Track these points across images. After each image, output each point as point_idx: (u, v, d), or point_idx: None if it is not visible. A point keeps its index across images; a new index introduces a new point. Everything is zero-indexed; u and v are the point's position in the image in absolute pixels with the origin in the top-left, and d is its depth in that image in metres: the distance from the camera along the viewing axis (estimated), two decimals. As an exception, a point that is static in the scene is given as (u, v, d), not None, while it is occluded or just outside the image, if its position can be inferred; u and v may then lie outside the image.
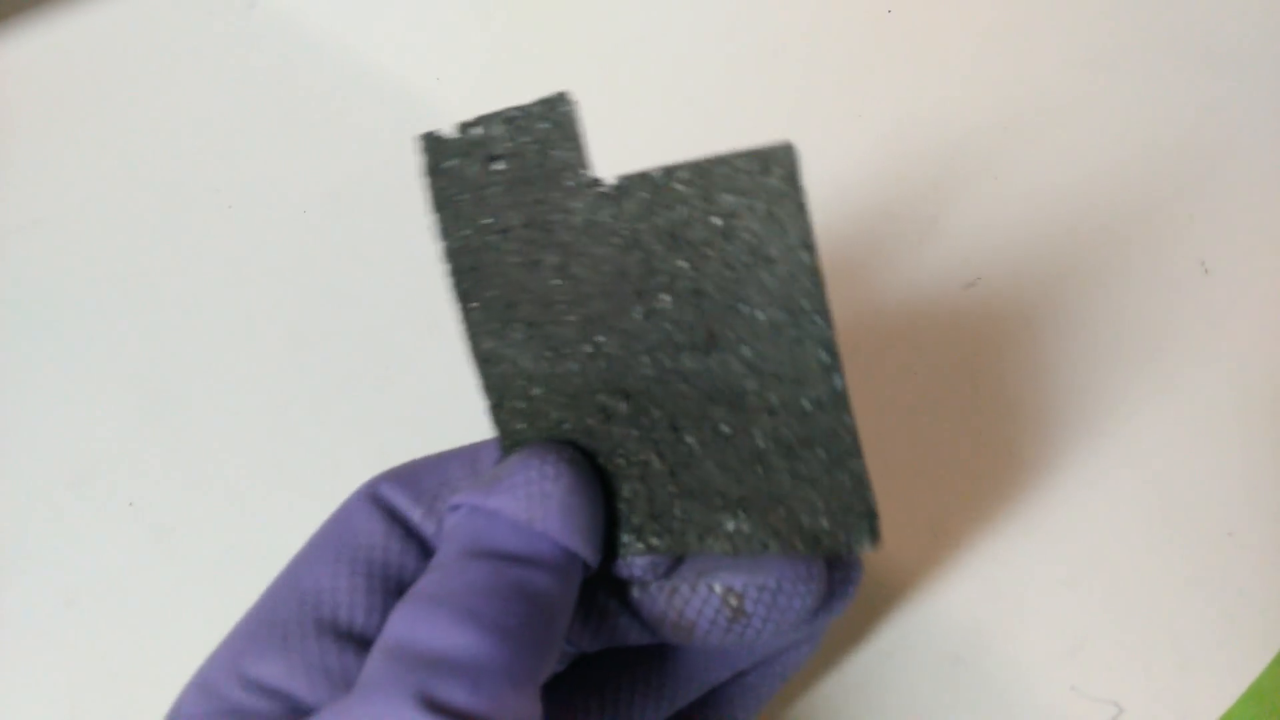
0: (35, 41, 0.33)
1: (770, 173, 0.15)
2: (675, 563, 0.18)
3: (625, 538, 0.17)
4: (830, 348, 0.15)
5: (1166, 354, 0.33)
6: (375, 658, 0.14)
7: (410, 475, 0.19)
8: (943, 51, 0.38)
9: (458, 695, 0.13)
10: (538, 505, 0.16)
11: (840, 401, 0.15)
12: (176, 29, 0.34)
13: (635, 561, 0.18)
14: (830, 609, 0.20)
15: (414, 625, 0.14)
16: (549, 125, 0.17)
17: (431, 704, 0.13)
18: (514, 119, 0.17)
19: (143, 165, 0.31)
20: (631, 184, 0.16)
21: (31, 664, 0.24)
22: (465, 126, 0.17)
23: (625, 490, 0.17)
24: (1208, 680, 0.28)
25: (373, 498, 0.18)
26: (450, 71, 0.34)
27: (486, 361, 0.18)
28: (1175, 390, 0.32)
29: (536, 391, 0.18)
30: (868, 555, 0.28)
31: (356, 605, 0.17)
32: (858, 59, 0.37)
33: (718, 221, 0.15)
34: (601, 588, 0.18)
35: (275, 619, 0.17)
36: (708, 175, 0.15)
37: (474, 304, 0.18)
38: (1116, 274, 0.34)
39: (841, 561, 0.20)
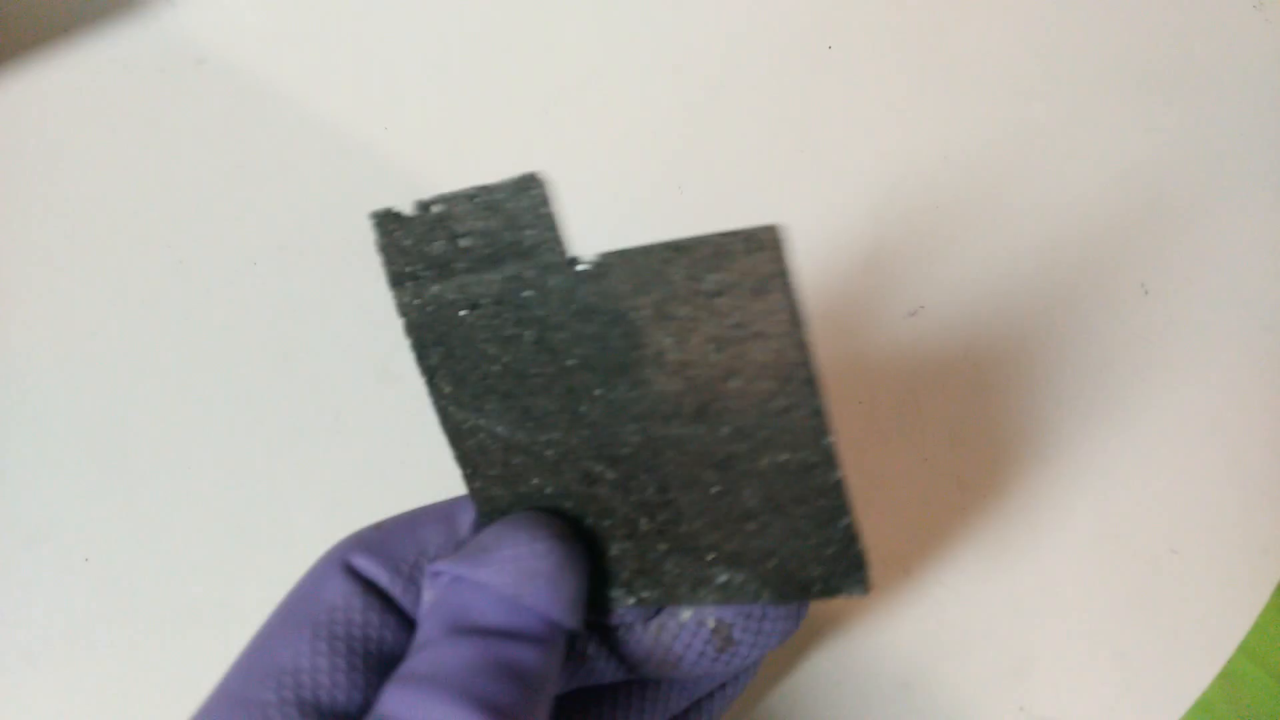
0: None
1: (757, 253, 0.15)
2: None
3: (615, 593, 0.17)
4: (820, 412, 0.15)
5: (1108, 376, 0.33)
6: None
7: (384, 542, 0.18)
8: (882, 85, 0.39)
9: None
10: (526, 581, 0.16)
11: (830, 461, 0.16)
12: (126, 86, 0.35)
13: (624, 610, 0.18)
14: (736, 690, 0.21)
15: (410, 708, 0.14)
16: (520, 206, 0.16)
17: None
18: (480, 198, 0.17)
19: (92, 221, 0.32)
20: (611, 262, 0.16)
21: (-11, 722, 0.25)
22: (425, 205, 0.17)
23: (613, 549, 0.17)
24: (1154, 696, 0.29)
25: (345, 567, 0.18)
26: (397, 121, 0.35)
27: (458, 433, 0.18)
28: (1117, 411, 0.33)
29: (516, 460, 0.18)
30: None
31: (338, 685, 0.16)
32: (799, 95, 0.38)
33: (704, 300, 0.15)
34: (581, 633, 0.18)
35: (253, 699, 0.16)
36: (692, 254, 0.15)
37: (442, 377, 0.18)
38: (1058, 298, 0.34)
39: None
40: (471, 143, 0.35)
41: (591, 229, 0.33)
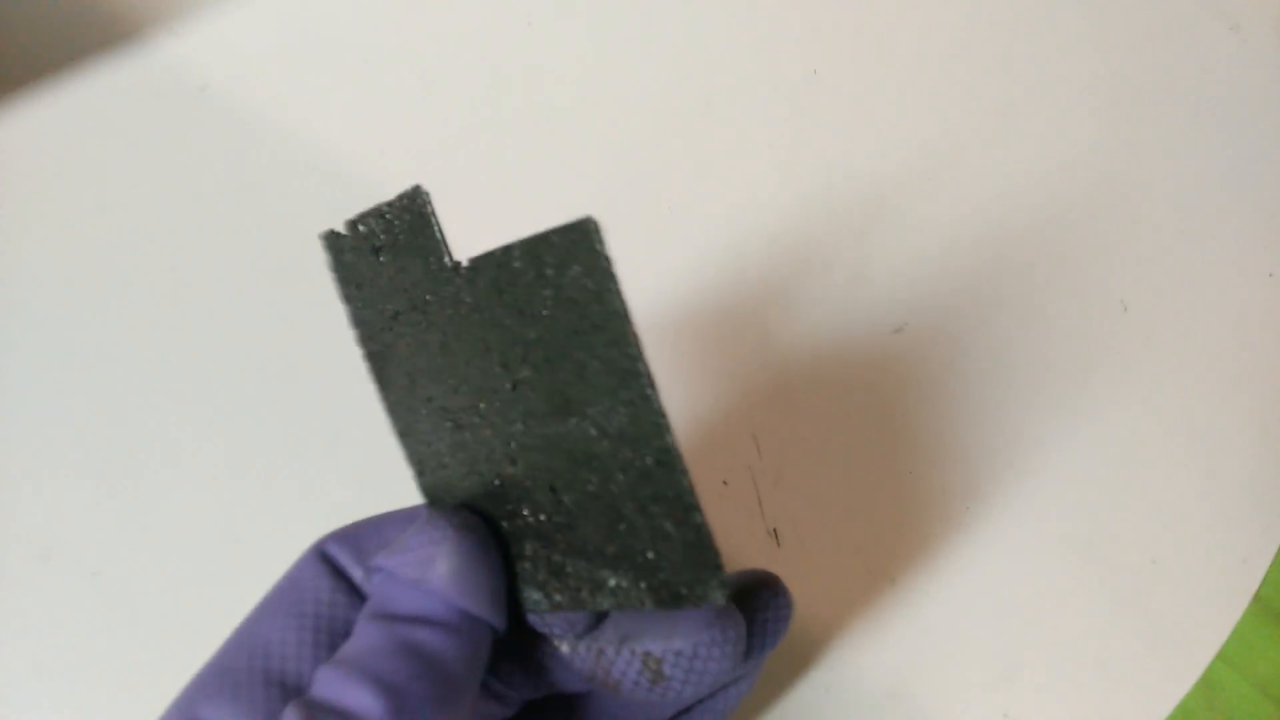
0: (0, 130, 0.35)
1: (580, 244, 0.15)
2: (595, 621, 0.19)
3: (534, 595, 0.18)
4: (655, 406, 0.15)
5: (1088, 390, 0.34)
6: (288, 714, 0.16)
7: (354, 535, 0.20)
8: (865, 108, 0.39)
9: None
10: (426, 566, 0.17)
11: (673, 458, 0.16)
12: (130, 112, 0.35)
13: (551, 620, 0.18)
14: (764, 646, 0.21)
15: (328, 687, 0.16)
16: (410, 218, 0.18)
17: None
18: (384, 214, 0.18)
19: (98, 243, 0.33)
20: (480, 265, 0.17)
21: (0, 733, 0.25)
22: (353, 223, 0.18)
23: (527, 549, 0.18)
24: (1136, 702, 0.29)
25: (321, 555, 0.19)
26: (393, 145, 0.36)
27: (404, 437, 0.20)
28: (1097, 425, 0.33)
29: (446, 461, 0.19)
30: (806, 594, 0.29)
31: (303, 659, 0.18)
32: (784, 118, 0.39)
33: (549, 293, 0.16)
34: (538, 642, 0.19)
35: (228, 668, 0.18)
36: (535, 251, 0.16)
37: (386, 384, 0.19)
38: (1039, 314, 0.35)
39: (770, 601, 0.21)
40: (465, 167, 0.36)
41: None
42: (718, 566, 0.16)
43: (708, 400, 0.32)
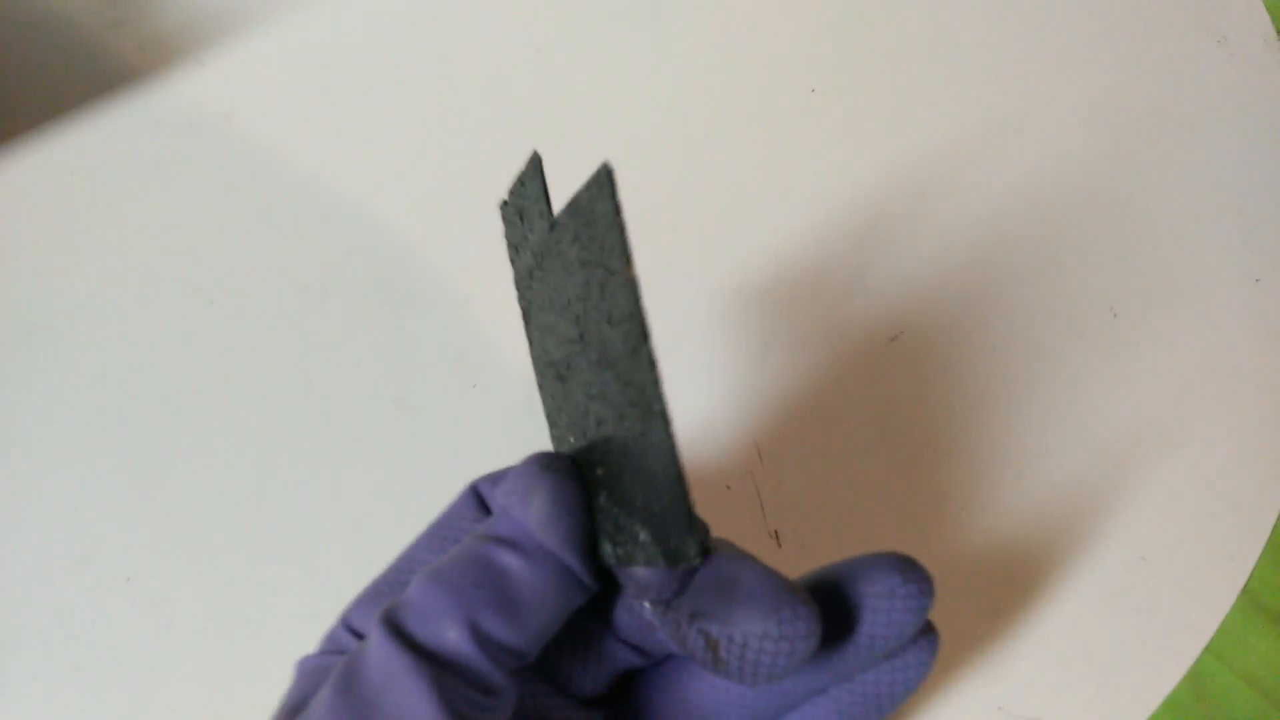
0: (29, 159, 0.36)
1: (600, 192, 0.16)
2: (680, 588, 0.18)
3: (606, 547, 0.18)
4: (648, 356, 0.16)
5: (1080, 394, 0.35)
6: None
7: (500, 475, 0.22)
8: (862, 125, 0.41)
9: (408, 624, 0.17)
10: (513, 498, 0.18)
11: (660, 413, 0.16)
12: (159, 139, 0.37)
13: (638, 578, 0.18)
14: (875, 642, 0.20)
15: (411, 588, 0.18)
16: (532, 182, 0.19)
17: (393, 627, 0.17)
18: (521, 181, 0.19)
19: (128, 267, 0.34)
20: (559, 221, 0.18)
21: (41, 731, 0.27)
22: (508, 195, 0.20)
23: (601, 501, 0.18)
24: (1125, 695, 0.30)
25: (474, 491, 0.22)
26: (413, 167, 0.37)
27: (540, 390, 0.21)
28: (1087, 427, 0.34)
29: (560, 414, 0.20)
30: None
31: None
32: (784, 134, 0.40)
33: (579, 246, 0.17)
34: (588, 583, 0.19)
35: (381, 583, 0.21)
36: (576, 208, 0.17)
37: (530, 341, 0.20)
38: (1031, 321, 0.36)
39: (882, 581, 0.19)
40: (481, 184, 0.37)
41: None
42: (690, 525, 0.16)
43: (710, 408, 0.34)
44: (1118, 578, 0.32)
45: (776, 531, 0.32)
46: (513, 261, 0.20)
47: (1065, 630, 0.31)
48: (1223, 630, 0.31)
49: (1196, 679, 0.31)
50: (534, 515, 0.18)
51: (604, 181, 0.16)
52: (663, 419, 0.16)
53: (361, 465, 0.31)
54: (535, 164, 0.19)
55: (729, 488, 0.32)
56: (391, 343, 0.34)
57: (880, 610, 0.19)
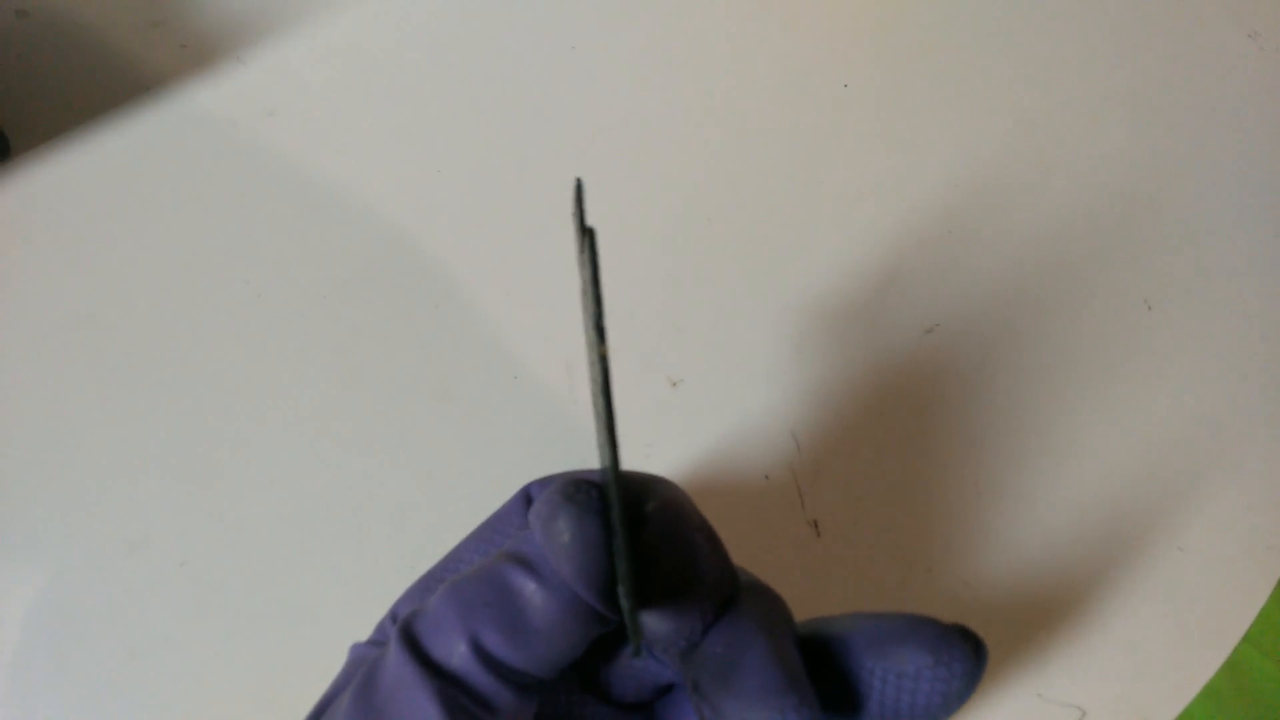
0: (77, 155, 0.37)
1: (583, 257, 0.16)
2: (684, 651, 0.18)
3: (618, 587, 0.18)
4: (610, 448, 0.15)
5: (1114, 385, 0.35)
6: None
7: (549, 482, 0.21)
8: (894, 120, 0.41)
9: (421, 634, 0.18)
10: (538, 520, 0.18)
11: (616, 515, 0.15)
12: (205, 136, 0.38)
13: (657, 630, 0.18)
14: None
15: (435, 594, 0.18)
16: (579, 200, 0.19)
17: (407, 637, 0.18)
18: (577, 194, 0.19)
19: (179, 259, 0.35)
20: (585, 239, 0.17)
21: (99, 708, 0.27)
22: (574, 203, 0.20)
23: (613, 542, 0.18)
24: (1164, 683, 0.31)
25: (525, 495, 0.22)
26: (449, 164, 0.38)
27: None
28: (1124, 419, 0.35)
29: (599, 434, 0.19)
30: (845, 584, 0.31)
31: None
32: (818, 129, 0.41)
33: (585, 297, 0.17)
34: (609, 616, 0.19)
35: (430, 577, 0.21)
36: (581, 255, 0.17)
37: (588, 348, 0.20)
38: (1065, 314, 0.37)
39: (911, 657, 0.18)
40: (519, 181, 0.38)
41: (627, 256, 0.36)
42: (633, 628, 0.16)
43: (749, 399, 0.34)
44: (1155, 568, 0.32)
45: (815, 521, 0.32)
46: (579, 266, 0.20)
47: (1103, 619, 0.31)
48: (1260, 620, 0.32)
49: (1234, 668, 0.31)
50: (553, 544, 0.17)
51: (586, 248, 0.15)
52: (619, 509, 0.15)
53: (405, 454, 0.32)
54: (577, 189, 0.19)
55: (767, 478, 0.33)
56: (434, 335, 0.34)
57: (905, 690, 0.17)
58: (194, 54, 0.40)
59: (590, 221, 0.19)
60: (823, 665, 0.18)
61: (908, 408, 0.34)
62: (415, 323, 0.34)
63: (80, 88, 0.38)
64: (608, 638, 0.20)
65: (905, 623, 0.18)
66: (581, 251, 0.16)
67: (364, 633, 0.23)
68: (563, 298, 0.35)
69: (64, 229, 0.35)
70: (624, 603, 0.16)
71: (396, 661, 0.17)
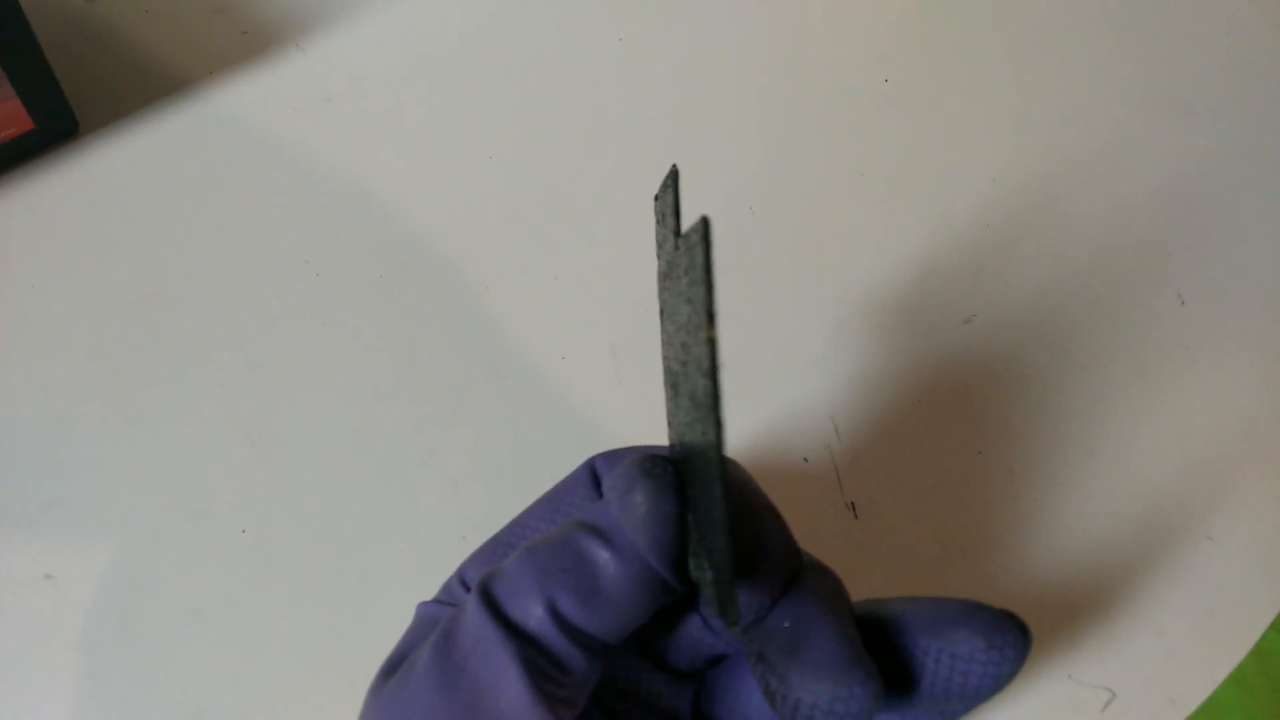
0: (141, 137, 0.38)
1: (697, 243, 0.16)
2: (751, 624, 0.18)
3: (690, 560, 0.18)
4: (716, 425, 0.15)
5: (1147, 377, 0.36)
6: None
7: (617, 456, 0.22)
8: (934, 114, 0.42)
9: (500, 595, 0.18)
10: (614, 493, 0.19)
11: (719, 486, 0.15)
12: (264, 123, 0.39)
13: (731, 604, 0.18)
14: (949, 697, 0.19)
15: (509, 559, 0.19)
16: (669, 193, 0.19)
17: (486, 597, 0.18)
18: (666, 186, 0.19)
19: (242, 238, 0.36)
20: (684, 241, 0.18)
21: (164, 668, 0.28)
22: (658, 193, 0.20)
23: (688, 517, 0.18)
24: (1193, 668, 0.31)
25: (590, 467, 0.22)
26: (500, 151, 0.39)
27: (664, 384, 0.20)
28: (1157, 410, 0.35)
29: (673, 419, 0.19)
30: (882, 566, 0.32)
31: None
32: (859, 123, 0.41)
33: (687, 274, 0.17)
34: (676, 588, 0.19)
35: (496, 543, 0.22)
36: (687, 244, 0.17)
37: (661, 339, 0.20)
38: (1100, 307, 0.37)
39: (958, 637, 0.18)
40: (569, 166, 0.39)
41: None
42: (731, 595, 0.16)
43: (789, 384, 0.35)
44: (1185, 556, 0.33)
45: (853, 504, 0.33)
46: (657, 255, 0.21)
47: (1134, 604, 0.32)
48: (1288, 608, 0.32)
49: (1261, 655, 0.32)
50: (629, 516, 0.18)
51: (700, 234, 0.16)
52: (722, 489, 0.15)
53: (456, 428, 0.33)
54: (673, 175, 0.19)
55: (806, 460, 0.33)
56: (486, 316, 0.35)
57: (957, 671, 0.18)
58: (255, 40, 0.41)
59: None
60: (878, 644, 0.19)
61: (944, 395, 0.35)
62: (468, 304, 0.35)
63: (145, 71, 0.39)
64: (668, 608, 0.21)
65: (960, 607, 0.19)
66: (688, 236, 0.16)
67: (414, 598, 0.24)
68: (608, 283, 0.36)
69: (129, 207, 0.36)
70: (721, 576, 0.16)
71: (476, 621, 0.18)
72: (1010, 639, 0.18)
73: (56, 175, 0.36)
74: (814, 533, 0.32)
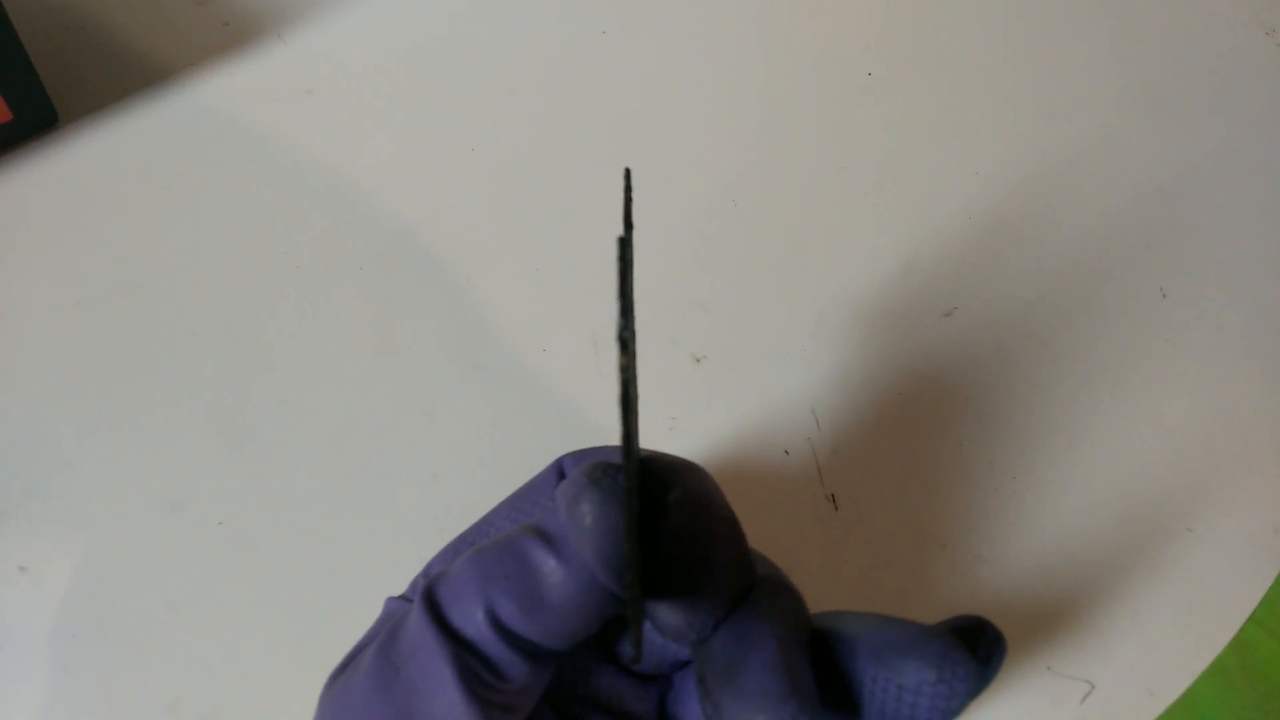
0: (119, 128, 0.38)
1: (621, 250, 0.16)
2: (694, 642, 0.18)
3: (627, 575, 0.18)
4: (632, 449, 0.15)
5: (1129, 371, 0.36)
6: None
7: (584, 455, 0.22)
8: (918, 108, 0.42)
9: (442, 599, 0.18)
10: (564, 500, 0.18)
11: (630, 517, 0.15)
12: (245, 114, 0.38)
13: (668, 620, 0.18)
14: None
15: (460, 559, 0.18)
16: (627, 193, 0.19)
17: (429, 600, 0.18)
18: (626, 185, 0.19)
19: (221, 231, 0.36)
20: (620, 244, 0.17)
21: (140, 660, 0.28)
22: (625, 182, 0.20)
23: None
24: (1171, 660, 0.31)
25: (558, 466, 0.22)
26: (482, 142, 0.39)
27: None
28: (1138, 403, 0.35)
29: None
30: (862, 558, 0.32)
31: None
32: (842, 117, 0.41)
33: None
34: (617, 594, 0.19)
35: (460, 541, 0.22)
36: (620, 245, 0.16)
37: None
38: (1082, 300, 0.37)
39: (911, 667, 0.18)
40: (550, 158, 0.39)
41: (655, 235, 0.37)
42: (636, 636, 0.16)
43: (770, 377, 0.35)
44: (1165, 548, 0.33)
45: (834, 495, 0.33)
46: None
47: (1113, 596, 0.32)
48: (1267, 601, 0.32)
49: (1240, 647, 0.32)
50: (575, 526, 0.17)
51: (621, 244, 0.15)
52: (630, 524, 0.15)
53: (435, 422, 0.33)
54: (626, 176, 0.19)
55: (787, 453, 0.33)
56: (466, 308, 0.35)
57: (904, 703, 0.18)
58: (236, 31, 0.41)
59: (619, 202, 0.19)
60: (827, 665, 0.19)
61: (925, 388, 0.35)
62: (448, 296, 0.35)
63: (125, 62, 0.39)
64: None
65: (913, 634, 0.18)
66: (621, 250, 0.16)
67: (391, 591, 0.24)
68: (589, 275, 0.36)
69: (108, 199, 0.36)
70: (628, 610, 0.15)
71: (418, 623, 0.18)
72: (961, 671, 0.17)
73: (35, 166, 0.36)
74: (794, 524, 0.32)
